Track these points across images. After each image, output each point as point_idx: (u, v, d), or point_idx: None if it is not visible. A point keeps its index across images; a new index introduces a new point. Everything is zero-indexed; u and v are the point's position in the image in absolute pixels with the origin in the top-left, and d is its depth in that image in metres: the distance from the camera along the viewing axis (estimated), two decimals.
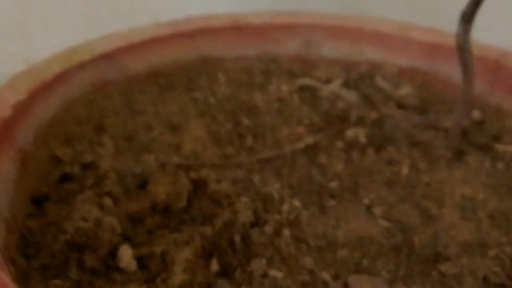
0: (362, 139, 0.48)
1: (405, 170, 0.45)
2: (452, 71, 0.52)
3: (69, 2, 0.78)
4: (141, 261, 0.37)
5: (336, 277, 0.36)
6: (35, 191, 0.41)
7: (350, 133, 0.48)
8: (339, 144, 0.48)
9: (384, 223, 0.40)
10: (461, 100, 0.44)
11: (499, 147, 0.47)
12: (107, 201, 0.40)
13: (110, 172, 0.43)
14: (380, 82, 0.56)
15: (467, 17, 0.40)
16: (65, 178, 0.43)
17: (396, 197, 0.43)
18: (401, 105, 0.53)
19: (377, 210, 0.41)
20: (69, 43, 0.52)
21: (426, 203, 0.42)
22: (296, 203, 0.41)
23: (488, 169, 0.45)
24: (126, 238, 0.38)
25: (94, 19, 0.78)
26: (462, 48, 0.41)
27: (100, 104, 0.50)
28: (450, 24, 0.44)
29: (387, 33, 0.58)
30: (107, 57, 0.52)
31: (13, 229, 0.37)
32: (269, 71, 0.58)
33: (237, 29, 0.58)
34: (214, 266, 0.36)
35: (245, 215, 0.39)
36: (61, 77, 0.47)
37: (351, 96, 0.54)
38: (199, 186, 0.41)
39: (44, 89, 0.45)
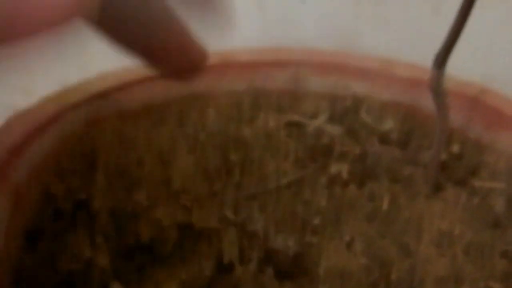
0: (345, 174, 0.50)
1: (385, 205, 0.47)
2: (433, 105, 0.54)
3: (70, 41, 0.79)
4: None
5: None
6: (29, 227, 0.43)
7: (333, 168, 0.50)
8: (323, 179, 0.50)
9: (363, 259, 0.42)
10: (437, 139, 0.46)
11: (476, 182, 0.49)
12: (99, 239, 0.42)
13: (102, 210, 0.45)
14: (364, 116, 0.58)
15: (440, 63, 0.42)
16: (59, 214, 0.45)
17: (376, 232, 0.44)
18: (384, 139, 0.55)
19: (357, 246, 0.43)
20: (67, 77, 0.54)
21: (405, 238, 0.44)
22: (280, 240, 0.43)
23: (464, 204, 0.47)
24: (116, 275, 0.40)
25: (90, 57, 0.80)
26: (436, 91, 0.43)
27: (94, 140, 0.52)
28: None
29: (371, 68, 0.60)
30: (101, 96, 0.53)
31: (7, 265, 0.39)
32: (258, 105, 0.60)
33: (226, 66, 0.60)
34: None
35: (230, 253, 0.41)
36: (55, 118, 0.49)
37: (335, 130, 0.56)
38: (185, 227, 0.43)
39: (38, 130, 0.47)
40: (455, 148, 0.54)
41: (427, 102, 0.55)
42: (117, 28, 0.36)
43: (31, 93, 0.59)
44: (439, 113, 0.44)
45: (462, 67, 0.56)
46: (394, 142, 0.55)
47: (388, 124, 0.57)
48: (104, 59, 0.56)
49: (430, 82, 0.43)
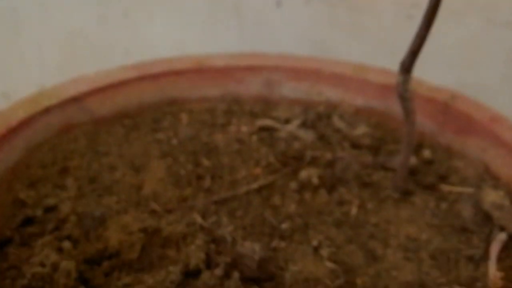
0: (315, 180, 0.50)
1: (354, 211, 0.47)
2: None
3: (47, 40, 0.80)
4: None
5: None
6: None
7: (303, 174, 0.50)
8: (293, 184, 0.50)
9: (330, 264, 0.42)
10: (405, 143, 0.46)
11: (444, 187, 0.49)
12: (66, 244, 0.42)
13: (71, 215, 0.45)
14: (337, 122, 0.58)
15: (406, 67, 0.42)
16: (28, 221, 0.45)
17: (344, 238, 0.45)
18: (356, 145, 0.55)
19: (324, 252, 0.43)
20: (46, 78, 0.54)
21: (372, 244, 0.44)
22: (248, 245, 0.43)
23: (433, 209, 0.47)
24: (84, 280, 0.40)
25: (70, 56, 0.81)
26: (403, 96, 0.44)
27: (65, 147, 0.52)
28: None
29: (344, 74, 0.60)
30: (74, 101, 0.54)
31: None
32: (231, 111, 0.60)
33: (200, 71, 0.60)
34: None
35: (197, 258, 0.41)
36: (26, 122, 0.49)
37: (308, 136, 0.56)
38: (153, 233, 0.43)
39: (9, 134, 0.47)
40: (426, 153, 0.54)
41: (399, 108, 0.56)
42: None
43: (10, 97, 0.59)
44: (406, 117, 0.45)
45: (435, 74, 0.57)
46: (366, 147, 0.55)
47: (361, 130, 0.57)
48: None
49: (396, 87, 0.43)
